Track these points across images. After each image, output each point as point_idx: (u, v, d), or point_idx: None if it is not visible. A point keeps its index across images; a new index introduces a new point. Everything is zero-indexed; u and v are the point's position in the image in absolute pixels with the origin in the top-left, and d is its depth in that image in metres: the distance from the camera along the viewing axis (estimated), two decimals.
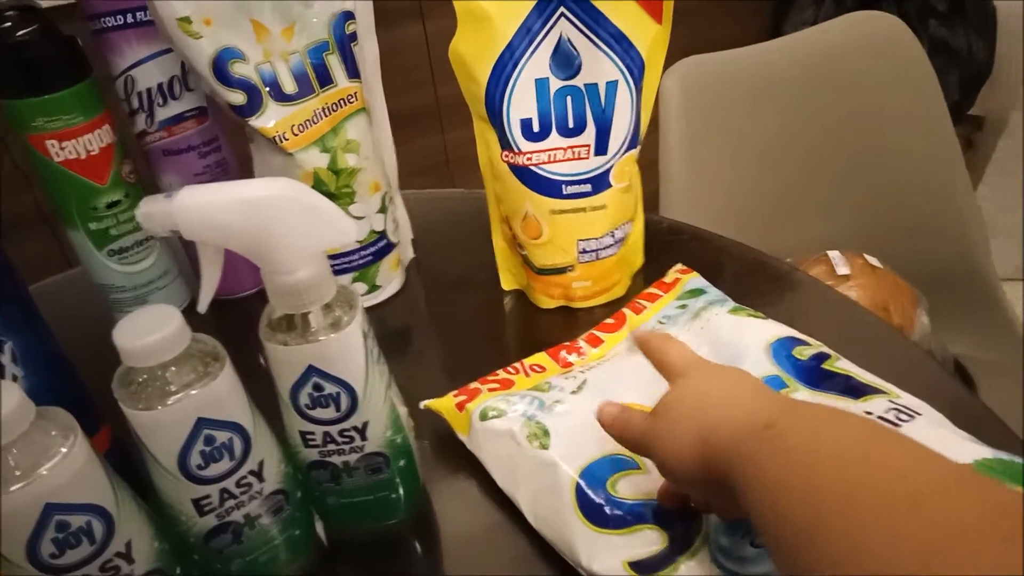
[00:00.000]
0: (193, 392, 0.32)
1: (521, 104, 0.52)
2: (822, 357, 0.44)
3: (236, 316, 0.48)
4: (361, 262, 0.60)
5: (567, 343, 0.53)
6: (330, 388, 0.36)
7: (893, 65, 1.00)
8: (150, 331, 0.31)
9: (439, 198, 0.79)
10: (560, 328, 0.58)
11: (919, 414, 0.39)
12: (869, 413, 0.39)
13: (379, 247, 0.60)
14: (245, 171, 0.59)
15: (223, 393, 0.34)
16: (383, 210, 0.60)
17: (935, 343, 0.95)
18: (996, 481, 0.23)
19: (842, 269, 0.93)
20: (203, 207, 0.31)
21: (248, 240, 0.32)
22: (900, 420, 0.38)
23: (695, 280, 0.55)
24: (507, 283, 0.63)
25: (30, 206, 1.24)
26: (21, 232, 1.23)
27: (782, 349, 0.45)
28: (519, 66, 0.51)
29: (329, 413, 0.37)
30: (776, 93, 0.98)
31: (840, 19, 1.01)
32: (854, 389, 0.42)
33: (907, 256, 1.01)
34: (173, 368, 0.32)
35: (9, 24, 0.49)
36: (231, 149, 0.61)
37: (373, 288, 0.61)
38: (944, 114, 1.01)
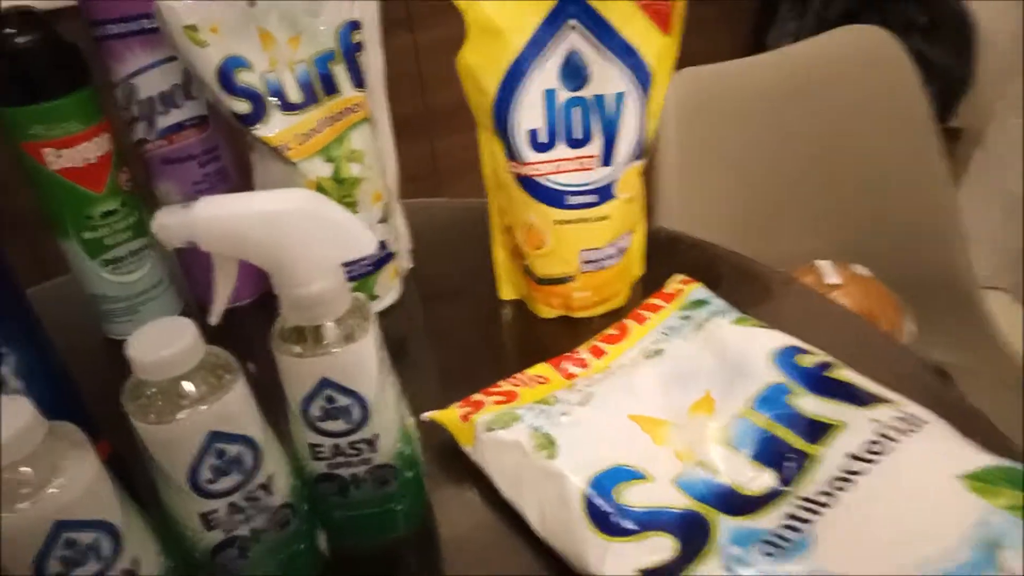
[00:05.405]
0: (206, 406, 0.32)
1: (528, 115, 0.52)
2: (825, 366, 0.45)
3: (235, 325, 0.48)
4: (361, 272, 0.59)
5: (569, 353, 0.53)
6: (343, 400, 0.36)
7: (881, 78, 1.02)
8: (165, 344, 0.31)
9: (434, 207, 0.79)
10: (560, 337, 0.58)
11: (926, 422, 0.39)
12: (876, 421, 0.40)
13: (379, 257, 0.60)
14: (245, 180, 0.58)
15: (236, 406, 0.33)
16: (384, 220, 0.59)
17: (919, 350, 0.96)
18: None
19: (831, 278, 0.94)
20: (223, 219, 0.30)
21: (266, 252, 0.32)
22: (909, 428, 0.39)
23: (698, 291, 0.55)
24: (506, 293, 0.63)
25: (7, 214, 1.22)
26: None
27: (786, 357, 0.46)
28: (528, 77, 0.51)
29: (340, 425, 0.36)
30: (767, 106, 1.00)
31: (830, 33, 1.03)
32: (859, 397, 0.42)
33: (892, 265, 1.03)
34: (186, 381, 0.32)
35: (9, 31, 0.48)
36: (232, 158, 0.60)
37: (372, 298, 0.61)
38: (929, 126, 1.03)
